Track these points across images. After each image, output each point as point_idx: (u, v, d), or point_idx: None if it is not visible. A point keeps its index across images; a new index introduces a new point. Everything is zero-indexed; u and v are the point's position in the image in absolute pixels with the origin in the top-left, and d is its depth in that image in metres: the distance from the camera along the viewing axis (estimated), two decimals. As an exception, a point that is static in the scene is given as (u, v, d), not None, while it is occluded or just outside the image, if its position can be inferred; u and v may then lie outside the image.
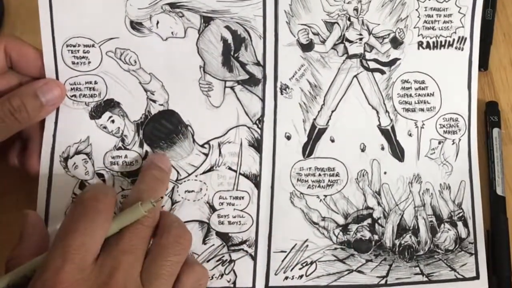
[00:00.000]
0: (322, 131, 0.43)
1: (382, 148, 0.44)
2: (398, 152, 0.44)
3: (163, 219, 0.36)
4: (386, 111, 0.44)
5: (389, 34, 0.44)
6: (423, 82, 0.44)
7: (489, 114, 0.46)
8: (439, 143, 0.44)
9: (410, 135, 0.44)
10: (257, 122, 0.42)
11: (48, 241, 0.38)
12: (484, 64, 0.47)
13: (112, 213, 0.34)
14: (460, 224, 0.44)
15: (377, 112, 0.44)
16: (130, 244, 0.34)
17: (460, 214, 0.44)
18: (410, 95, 0.44)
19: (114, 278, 0.32)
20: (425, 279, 0.43)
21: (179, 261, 0.35)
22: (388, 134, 0.44)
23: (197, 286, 0.36)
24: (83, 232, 0.33)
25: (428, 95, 0.44)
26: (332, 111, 0.43)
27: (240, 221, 0.42)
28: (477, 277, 0.43)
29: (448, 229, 0.44)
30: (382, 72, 0.44)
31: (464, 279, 0.43)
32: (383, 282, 0.43)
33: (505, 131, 0.47)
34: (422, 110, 0.44)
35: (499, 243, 0.42)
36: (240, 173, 0.42)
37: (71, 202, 0.40)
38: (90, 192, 0.35)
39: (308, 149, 0.43)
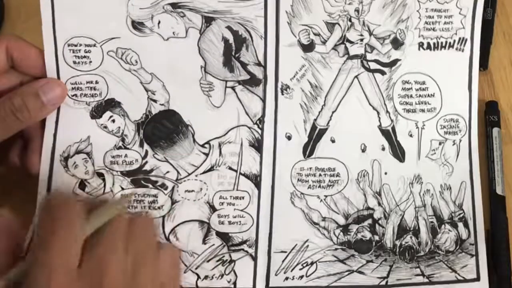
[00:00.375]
0: (322, 131, 0.43)
1: (383, 149, 0.44)
2: (398, 153, 0.44)
3: None
4: (387, 111, 0.44)
5: (390, 35, 0.44)
6: (423, 83, 0.44)
7: (489, 113, 0.46)
8: (440, 143, 0.44)
9: (410, 135, 0.44)
10: (258, 122, 0.42)
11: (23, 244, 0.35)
12: (484, 63, 0.47)
13: (83, 214, 0.33)
14: (460, 225, 0.44)
15: (378, 113, 0.44)
16: (111, 242, 0.33)
17: (461, 215, 0.44)
18: (411, 96, 0.44)
19: (105, 281, 0.31)
20: (425, 280, 0.43)
21: (156, 246, 0.35)
22: (389, 134, 0.44)
23: (175, 263, 0.37)
24: (61, 241, 0.31)
25: (428, 96, 0.44)
26: (333, 112, 0.43)
27: (240, 221, 0.42)
28: (477, 278, 0.43)
29: (449, 230, 0.44)
30: (383, 73, 0.44)
31: (465, 280, 0.43)
32: (383, 283, 0.42)
33: (504, 131, 0.47)
34: (422, 110, 0.44)
35: (499, 242, 0.42)
36: (240, 173, 0.42)
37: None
38: (55, 200, 0.33)
39: (308, 149, 0.43)
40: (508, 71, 0.49)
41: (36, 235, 0.32)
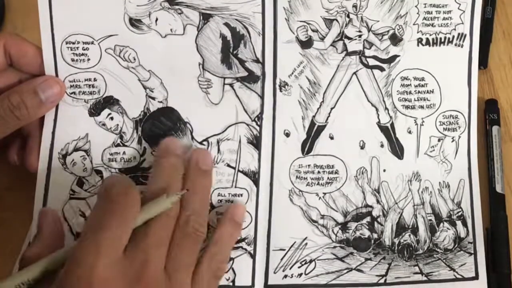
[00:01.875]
0: (321, 128, 0.43)
1: (382, 146, 0.43)
2: (397, 150, 0.44)
3: (182, 209, 0.36)
4: (386, 108, 0.44)
5: (388, 31, 0.44)
6: (422, 79, 0.44)
7: (489, 112, 0.46)
8: (439, 140, 0.44)
9: (409, 132, 0.44)
10: (256, 119, 0.42)
11: (64, 239, 0.38)
12: (483, 62, 0.47)
13: (139, 207, 0.34)
14: (459, 223, 0.44)
15: (377, 109, 0.44)
16: (158, 237, 0.34)
17: (459, 213, 0.44)
18: (410, 92, 0.44)
19: (146, 272, 0.33)
20: (424, 278, 0.42)
21: (198, 249, 0.37)
22: (388, 131, 0.44)
23: (216, 270, 0.38)
24: (114, 228, 0.33)
25: (427, 92, 0.44)
26: (331, 108, 0.43)
27: None
28: (476, 277, 0.43)
29: (447, 228, 0.43)
30: (382, 69, 0.44)
31: (463, 279, 0.42)
32: (382, 281, 0.42)
33: (504, 129, 0.47)
34: (421, 107, 0.44)
35: (498, 240, 0.42)
36: (238, 170, 0.42)
37: (69, 199, 0.40)
38: (117, 186, 0.34)
39: (307, 146, 0.43)
40: (508, 69, 0.49)
41: (91, 215, 0.34)
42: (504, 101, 0.48)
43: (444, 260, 0.43)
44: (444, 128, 0.44)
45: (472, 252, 0.43)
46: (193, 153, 0.40)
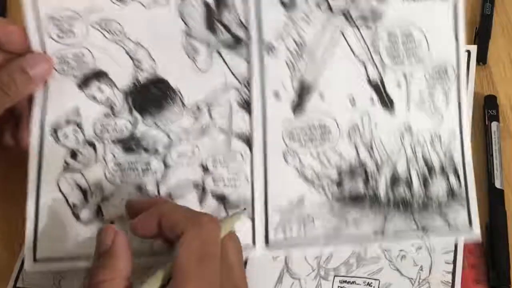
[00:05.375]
0: (310, 87, 0.43)
1: (372, 101, 0.44)
2: (388, 104, 0.44)
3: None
4: (374, 63, 0.44)
5: (371, -14, 0.43)
6: (409, 34, 0.44)
7: (488, 108, 0.47)
8: (429, 93, 0.44)
9: (399, 86, 0.44)
10: (245, 83, 0.43)
11: (132, 260, 0.34)
12: (482, 58, 0.48)
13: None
14: (451, 175, 0.44)
15: (365, 65, 0.44)
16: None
17: (452, 165, 0.44)
18: (398, 47, 0.44)
19: None
20: (420, 231, 0.43)
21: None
22: (377, 86, 0.44)
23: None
24: (215, 257, 0.33)
25: (415, 46, 0.44)
26: (320, 67, 0.43)
27: (235, 182, 0.42)
28: (470, 227, 0.43)
29: (441, 181, 0.44)
30: (368, 26, 0.44)
31: (458, 230, 0.43)
32: (379, 235, 0.43)
33: (503, 125, 0.47)
34: (410, 61, 0.44)
35: (497, 236, 0.42)
36: (231, 134, 0.42)
37: (63, 171, 0.41)
38: (203, 235, 0.34)
39: (298, 107, 0.43)
40: (507, 65, 0.49)
41: (186, 246, 0.33)
42: (503, 97, 0.48)
43: (438, 212, 0.43)
44: (433, 81, 0.44)
45: (465, 203, 0.43)
46: None
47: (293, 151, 0.43)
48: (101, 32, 0.42)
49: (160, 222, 0.34)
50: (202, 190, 0.42)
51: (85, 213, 0.41)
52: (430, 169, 0.44)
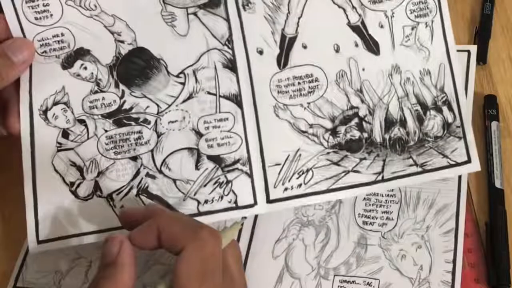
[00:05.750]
0: (292, 39, 0.43)
1: (356, 45, 0.43)
2: (372, 46, 0.44)
3: None
4: (353, 7, 0.43)
5: None
6: None
7: (488, 107, 0.47)
8: (412, 28, 0.44)
9: (381, 26, 0.44)
10: (227, 42, 0.43)
11: (136, 272, 0.33)
12: (482, 57, 0.48)
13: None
14: (445, 108, 0.44)
15: (344, 10, 0.43)
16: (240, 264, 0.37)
17: (444, 98, 0.44)
18: None
19: None
20: (419, 169, 0.43)
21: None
22: (359, 29, 0.43)
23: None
24: (216, 272, 0.33)
25: None
26: (299, 18, 0.43)
27: (229, 142, 0.42)
28: (469, 160, 0.43)
29: (434, 116, 0.43)
30: None
31: (457, 164, 0.43)
32: (380, 178, 0.43)
33: (503, 125, 0.47)
34: None
35: (497, 235, 0.42)
36: (220, 96, 0.42)
37: (57, 151, 0.41)
38: (204, 249, 0.33)
39: (282, 60, 0.43)
40: (507, 65, 0.49)
41: (186, 261, 0.32)
42: (503, 97, 0.48)
43: (435, 148, 0.43)
44: (415, 16, 0.44)
45: (461, 136, 0.43)
46: None
47: (283, 105, 0.43)
48: (77, 9, 0.42)
49: (159, 236, 0.33)
50: (196, 153, 0.42)
51: (82, 190, 0.41)
52: (423, 105, 0.44)
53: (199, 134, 0.42)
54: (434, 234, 0.42)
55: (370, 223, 0.43)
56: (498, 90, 0.48)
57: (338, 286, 0.41)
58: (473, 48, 0.49)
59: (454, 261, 0.41)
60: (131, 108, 0.42)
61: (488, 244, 0.42)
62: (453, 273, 0.41)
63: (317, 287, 0.41)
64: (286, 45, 0.43)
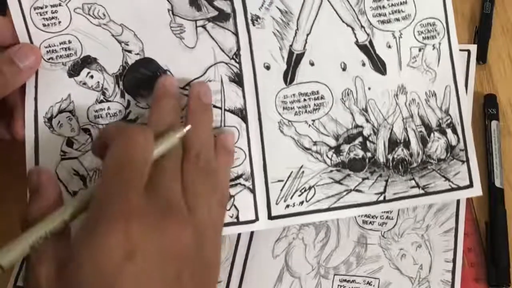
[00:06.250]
0: (300, 56, 0.43)
1: (363, 64, 0.43)
2: (379, 66, 0.44)
3: (190, 145, 0.37)
4: (361, 26, 0.43)
5: None
6: None
7: (488, 107, 0.47)
8: (420, 50, 0.44)
9: (389, 46, 0.44)
10: (234, 56, 0.42)
11: (62, 195, 0.36)
12: (482, 57, 0.48)
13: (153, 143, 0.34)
14: (449, 131, 0.44)
15: (353, 29, 0.43)
16: (174, 173, 0.35)
17: (448, 121, 0.44)
18: (383, 7, 0.43)
19: (172, 207, 0.33)
20: (421, 191, 0.43)
21: (212, 182, 0.37)
22: (367, 49, 0.44)
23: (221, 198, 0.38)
24: (137, 163, 0.33)
25: (401, 3, 0.43)
26: (307, 35, 0.43)
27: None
28: (471, 185, 0.43)
29: (438, 138, 0.44)
30: None
31: (459, 188, 0.43)
32: (381, 198, 0.43)
33: (503, 124, 0.47)
34: (397, 19, 0.44)
35: (497, 235, 0.42)
36: (225, 109, 0.42)
37: (61, 160, 0.41)
38: (132, 126, 0.36)
39: (289, 76, 0.43)
40: (507, 64, 0.49)
41: (110, 154, 0.33)
42: (503, 96, 0.48)
43: (438, 171, 0.43)
44: (423, 37, 0.44)
45: (465, 159, 0.43)
46: (193, 87, 0.40)
47: (288, 121, 0.43)
48: (86, 17, 0.42)
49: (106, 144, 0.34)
50: (200, 167, 0.42)
51: (85, 199, 0.41)
52: (427, 126, 0.44)
53: (202, 147, 0.42)
54: (434, 234, 0.42)
55: (370, 222, 0.44)
56: (498, 90, 0.48)
57: (338, 285, 0.41)
58: (473, 48, 0.49)
59: (454, 261, 0.41)
60: (136, 118, 0.42)
61: (488, 244, 0.42)
62: (453, 272, 0.41)
63: (317, 286, 0.41)
64: (294, 61, 0.43)
